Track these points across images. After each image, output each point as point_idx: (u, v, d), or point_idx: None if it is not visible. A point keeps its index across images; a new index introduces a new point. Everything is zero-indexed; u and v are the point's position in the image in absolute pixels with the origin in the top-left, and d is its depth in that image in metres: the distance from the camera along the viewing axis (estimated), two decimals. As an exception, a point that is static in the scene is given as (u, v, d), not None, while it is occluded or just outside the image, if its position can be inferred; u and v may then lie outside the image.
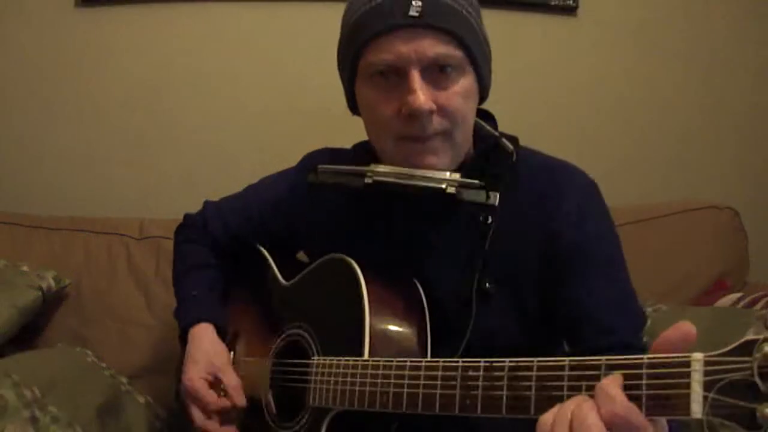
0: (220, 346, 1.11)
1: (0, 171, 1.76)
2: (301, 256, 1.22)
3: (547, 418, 0.63)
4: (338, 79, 1.72)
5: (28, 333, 1.45)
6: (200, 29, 1.77)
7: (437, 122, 0.90)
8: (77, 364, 1.34)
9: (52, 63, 1.75)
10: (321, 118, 1.77)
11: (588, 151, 1.86)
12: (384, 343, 0.89)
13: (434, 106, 0.88)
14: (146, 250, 1.58)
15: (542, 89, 1.83)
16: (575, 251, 0.93)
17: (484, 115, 1.04)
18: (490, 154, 0.99)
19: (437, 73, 0.89)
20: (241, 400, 1.05)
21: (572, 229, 0.94)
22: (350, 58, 0.93)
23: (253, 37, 1.78)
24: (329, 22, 1.77)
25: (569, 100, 1.86)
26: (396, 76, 0.89)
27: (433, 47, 0.87)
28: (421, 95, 0.86)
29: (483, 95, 0.98)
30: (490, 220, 0.93)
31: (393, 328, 0.91)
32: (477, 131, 1.01)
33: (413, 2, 0.86)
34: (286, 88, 1.79)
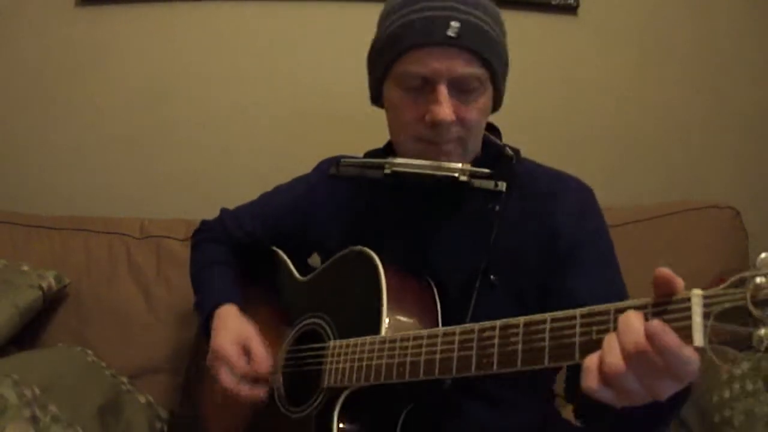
0: (246, 322, 1.12)
1: (0, 171, 1.76)
2: (313, 260, 1.24)
3: (591, 357, 0.65)
4: (340, 80, 1.74)
5: (29, 332, 1.45)
6: (201, 29, 1.77)
7: (455, 131, 0.98)
8: (78, 364, 1.34)
9: (52, 63, 1.75)
10: (322, 119, 1.77)
11: (589, 150, 1.86)
12: (399, 327, 0.92)
13: (455, 118, 0.96)
14: (147, 250, 1.58)
15: (542, 89, 1.83)
16: (574, 247, 0.99)
17: (490, 128, 1.11)
18: (495, 159, 1.06)
19: (462, 89, 0.96)
20: (267, 368, 1.05)
21: (571, 226, 1.00)
22: (384, 62, 1.00)
23: (254, 37, 1.78)
24: (331, 22, 1.78)
25: (569, 100, 1.86)
26: (425, 84, 0.96)
27: (464, 67, 0.95)
28: (447, 108, 0.94)
29: (495, 107, 1.06)
30: (497, 209, 0.99)
31: (408, 312, 0.95)
32: (483, 141, 1.08)
33: (452, 23, 0.93)
34: (286, 89, 1.79)
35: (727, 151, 1.92)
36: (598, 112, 1.87)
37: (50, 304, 1.48)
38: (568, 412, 1.07)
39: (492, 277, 0.98)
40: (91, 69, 1.75)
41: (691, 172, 1.92)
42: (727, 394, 1.24)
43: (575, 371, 0.96)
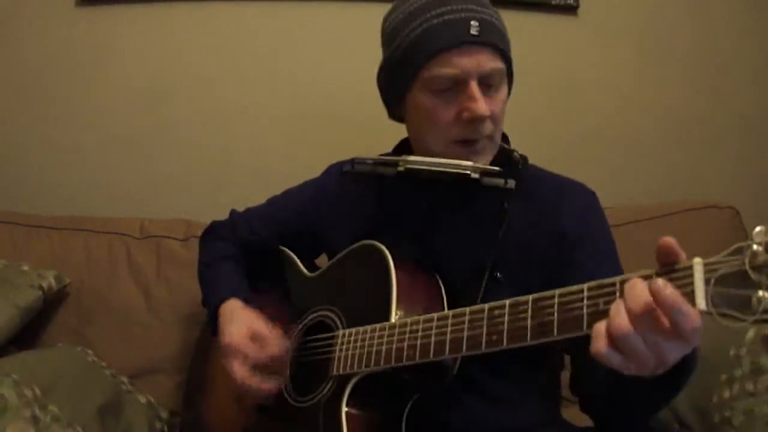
0: (253, 312, 1.11)
1: (0, 171, 1.76)
2: (321, 262, 1.25)
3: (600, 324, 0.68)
4: (340, 81, 1.74)
5: (29, 332, 1.45)
6: (201, 29, 1.77)
7: (488, 127, 1.01)
8: (78, 364, 1.34)
9: (52, 63, 1.75)
10: (322, 119, 1.77)
11: (589, 150, 1.86)
12: (409, 316, 0.93)
13: (490, 113, 0.99)
14: (147, 250, 1.58)
15: (542, 88, 1.83)
16: (576, 246, 1.01)
17: None
18: (504, 162, 1.07)
19: (487, 84, 1.00)
20: (282, 348, 1.05)
21: (575, 227, 1.02)
22: (410, 71, 1.01)
23: (255, 37, 1.78)
24: (331, 22, 1.78)
25: (569, 100, 1.86)
26: (454, 85, 0.99)
27: (489, 62, 0.99)
28: (483, 104, 0.98)
29: None
30: (505, 205, 1.02)
31: (417, 303, 0.96)
32: None
33: (472, 22, 0.98)
34: (286, 89, 1.79)
35: (727, 151, 1.93)
36: (598, 112, 1.87)
37: (50, 304, 1.48)
38: (572, 412, 1.07)
39: (498, 274, 1.00)
40: (91, 69, 1.75)
41: (691, 172, 1.92)
42: (727, 394, 1.24)
43: (580, 367, 0.97)
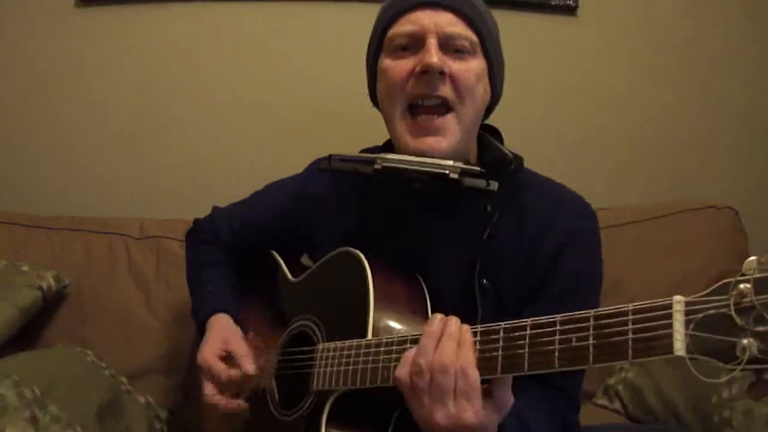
0: (233, 327, 1.12)
1: (0, 171, 1.76)
2: (305, 260, 1.24)
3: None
4: (340, 79, 1.74)
5: (29, 333, 1.45)
6: (200, 29, 1.77)
7: (447, 89, 0.97)
8: (77, 364, 1.34)
9: (52, 63, 1.75)
10: (322, 119, 1.77)
11: (587, 151, 1.86)
12: (387, 329, 0.92)
13: (445, 69, 0.96)
14: (146, 250, 1.59)
15: (542, 89, 1.83)
16: (548, 281, 0.98)
17: (490, 130, 1.10)
18: (494, 164, 1.02)
19: (452, 48, 0.98)
20: (249, 368, 1.05)
21: (552, 261, 0.98)
22: (377, 37, 1.03)
23: (254, 37, 1.78)
24: (331, 22, 1.79)
25: (569, 100, 1.86)
26: (414, 43, 0.98)
27: (451, 25, 0.97)
28: (435, 55, 0.95)
29: (493, 99, 1.05)
30: (489, 209, 0.99)
31: (396, 314, 0.94)
32: (482, 143, 1.07)
33: None
34: (286, 89, 1.79)
35: (725, 152, 1.93)
36: (596, 113, 1.88)
37: (50, 304, 1.48)
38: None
39: (484, 281, 0.98)
40: (91, 69, 1.76)
41: (690, 173, 1.92)
42: (726, 394, 1.24)
43: None
